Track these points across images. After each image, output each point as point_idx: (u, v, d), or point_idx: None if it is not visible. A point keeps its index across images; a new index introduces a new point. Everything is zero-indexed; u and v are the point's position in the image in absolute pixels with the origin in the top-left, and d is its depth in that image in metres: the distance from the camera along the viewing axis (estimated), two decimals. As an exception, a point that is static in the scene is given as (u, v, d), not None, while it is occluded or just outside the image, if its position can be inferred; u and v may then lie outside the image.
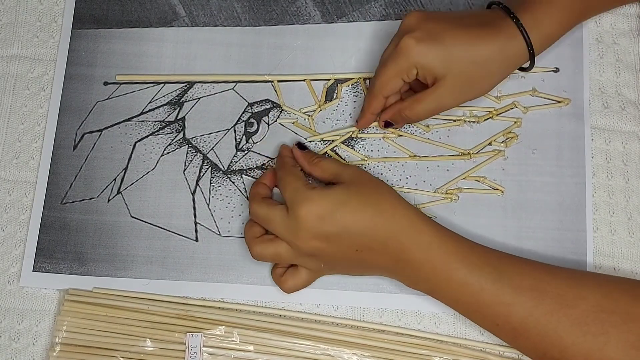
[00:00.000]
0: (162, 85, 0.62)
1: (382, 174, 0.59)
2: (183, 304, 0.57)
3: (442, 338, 0.56)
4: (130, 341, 0.56)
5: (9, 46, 0.63)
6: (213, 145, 0.61)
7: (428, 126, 0.60)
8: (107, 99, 0.62)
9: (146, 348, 0.56)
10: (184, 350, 0.55)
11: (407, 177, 0.59)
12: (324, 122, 0.61)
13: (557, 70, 0.61)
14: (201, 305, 0.57)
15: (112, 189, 0.60)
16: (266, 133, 0.61)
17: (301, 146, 0.58)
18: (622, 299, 0.48)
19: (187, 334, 0.56)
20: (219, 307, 0.57)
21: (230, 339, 0.56)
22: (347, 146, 0.60)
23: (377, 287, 0.57)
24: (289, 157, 0.57)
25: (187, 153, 0.61)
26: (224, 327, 0.56)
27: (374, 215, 0.50)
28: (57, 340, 0.56)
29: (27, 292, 0.58)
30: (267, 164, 0.60)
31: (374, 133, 0.60)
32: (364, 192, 0.51)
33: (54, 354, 0.55)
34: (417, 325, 0.57)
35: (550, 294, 0.48)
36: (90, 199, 0.60)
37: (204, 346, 0.55)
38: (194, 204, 0.60)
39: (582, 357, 0.47)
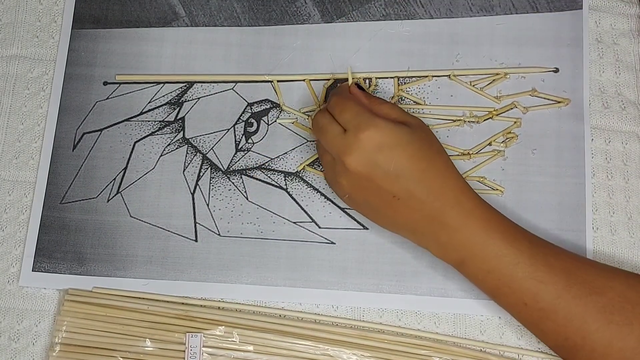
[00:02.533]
0: (162, 85, 0.62)
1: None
2: (183, 303, 0.57)
3: (442, 338, 0.56)
4: (130, 341, 0.56)
5: (8, 46, 0.63)
6: (213, 145, 0.61)
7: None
8: (107, 98, 0.62)
9: (146, 348, 0.55)
10: (184, 351, 0.55)
11: (406, 177, 0.59)
12: (323, 122, 0.61)
13: (557, 70, 0.61)
14: (201, 306, 0.57)
15: (112, 188, 0.60)
16: (266, 133, 0.61)
17: (360, 87, 0.56)
18: None
19: (187, 334, 0.55)
20: (219, 307, 0.57)
21: (230, 339, 0.56)
22: (347, 146, 0.60)
23: (377, 288, 0.57)
24: (345, 89, 0.55)
25: (187, 153, 0.61)
26: (223, 327, 0.56)
27: (428, 167, 0.50)
28: (56, 340, 0.56)
29: (27, 292, 0.58)
30: (267, 164, 0.60)
31: (374, 133, 0.60)
32: (426, 143, 0.51)
33: (54, 354, 0.55)
34: (416, 325, 0.57)
35: (580, 278, 0.49)
36: (89, 198, 0.60)
37: (203, 346, 0.55)
38: (193, 204, 0.60)
39: (604, 345, 0.48)
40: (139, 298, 0.57)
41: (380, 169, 0.50)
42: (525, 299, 0.49)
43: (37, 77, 0.62)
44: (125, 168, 0.60)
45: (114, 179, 0.60)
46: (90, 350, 0.56)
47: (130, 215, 0.59)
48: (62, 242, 0.59)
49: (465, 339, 0.56)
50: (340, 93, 0.54)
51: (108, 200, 0.60)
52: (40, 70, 0.63)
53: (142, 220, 0.59)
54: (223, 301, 0.57)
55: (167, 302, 0.57)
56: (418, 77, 0.61)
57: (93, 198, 0.60)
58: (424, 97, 0.61)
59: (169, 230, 0.59)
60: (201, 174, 0.60)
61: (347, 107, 0.52)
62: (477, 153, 0.59)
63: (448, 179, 0.51)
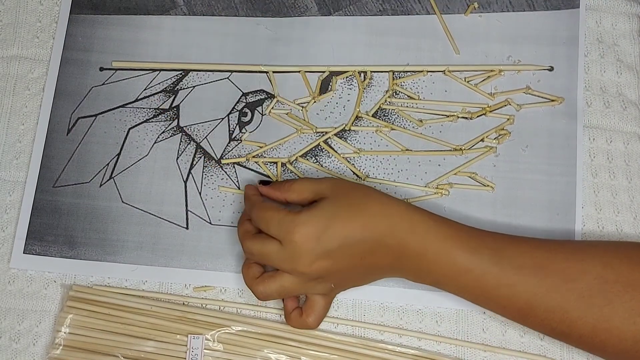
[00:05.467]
0: (158, 72, 0.62)
1: (374, 167, 0.60)
2: (185, 304, 0.57)
3: (443, 340, 0.56)
4: (131, 341, 0.56)
5: (9, 47, 0.63)
6: (207, 134, 0.61)
7: (421, 121, 0.60)
8: (103, 84, 0.62)
9: (147, 349, 0.55)
10: (185, 352, 0.55)
11: (398, 171, 0.59)
12: (317, 114, 0.61)
13: (551, 68, 0.61)
14: (203, 307, 0.57)
15: (105, 174, 0.60)
16: (260, 123, 0.61)
17: (264, 182, 0.56)
18: (622, 267, 0.48)
19: (189, 335, 0.56)
20: (220, 310, 0.57)
21: (230, 343, 0.56)
22: (340, 138, 0.60)
23: (378, 281, 0.56)
24: (257, 196, 0.55)
25: (181, 141, 0.61)
26: (224, 330, 0.56)
27: (366, 219, 0.50)
28: (57, 340, 0.56)
29: (27, 292, 0.58)
30: (259, 154, 0.60)
31: (367, 126, 0.60)
32: (350, 201, 0.50)
33: (55, 354, 0.55)
34: (418, 325, 0.57)
35: (552, 270, 0.49)
36: (82, 183, 0.60)
37: (205, 349, 0.55)
38: (185, 191, 0.60)
39: (590, 329, 0.48)
40: (142, 297, 0.57)
41: (332, 251, 0.49)
42: (502, 303, 0.50)
43: (37, 78, 0.62)
44: (119, 154, 0.61)
45: (107, 164, 0.60)
46: (92, 350, 0.56)
47: (122, 201, 0.60)
48: (53, 225, 0.59)
49: (466, 341, 0.56)
50: (255, 205, 0.53)
51: (100, 185, 0.60)
52: (40, 70, 0.63)
53: (133, 206, 0.59)
54: (224, 301, 0.57)
55: (170, 302, 0.57)
56: (413, 71, 0.61)
57: (86, 182, 0.60)
58: (418, 92, 0.61)
59: (160, 217, 0.59)
60: (194, 163, 0.60)
61: (268, 217, 0.51)
62: (469, 149, 0.60)
63: (391, 214, 0.50)
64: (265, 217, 0.51)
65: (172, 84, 0.62)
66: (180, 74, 0.62)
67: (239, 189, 0.60)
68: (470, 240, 0.50)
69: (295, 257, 0.49)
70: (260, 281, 0.52)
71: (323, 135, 0.60)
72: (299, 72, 0.62)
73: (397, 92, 0.61)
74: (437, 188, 0.59)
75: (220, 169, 0.60)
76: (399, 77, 0.61)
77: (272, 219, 0.51)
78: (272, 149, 0.60)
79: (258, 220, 0.52)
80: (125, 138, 0.61)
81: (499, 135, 0.60)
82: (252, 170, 0.60)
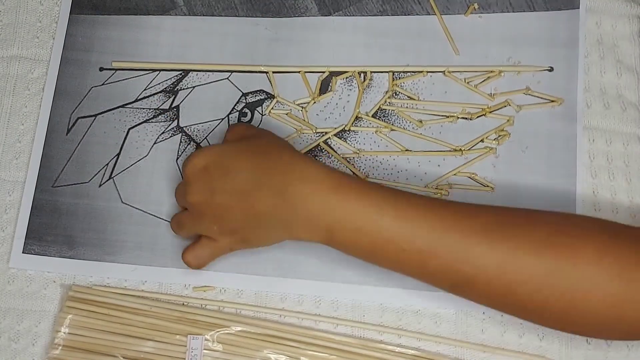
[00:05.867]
0: (158, 72, 0.62)
1: (373, 167, 0.60)
2: (184, 304, 0.57)
3: (442, 340, 0.56)
4: (131, 342, 0.56)
5: (9, 47, 0.63)
6: (207, 135, 0.61)
7: (421, 121, 0.60)
8: (103, 84, 0.62)
9: (147, 349, 0.55)
10: (185, 353, 0.55)
11: (398, 172, 0.59)
12: (317, 115, 0.61)
13: (551, 69, 0.61)
14: (202, 308, 0.57)
15: (104, 174, 0.60)
16: (259, 123, 0.61)
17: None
18: (518, 212, 0.49)
19: (189, 336, 0.55)
20: (220, 311, 0.57)
21: (229, 343, 0.56)
22: (340, 139, 0.60)
23: (376, 281, 0.57)
24: None
25: (181, 141, 0.61)
26: (224, 330, 0.56)
27: (261, 158, 0.50)
28: (57, 341, 0.56)
29: (26, 292, 0.58)
30: None
31: (367, 127, 0.61)
32: (253, 143, 0.52)
33: (54, 354, 0.55)
34: (417, 325, 0.57)
35: (447, 208, 0.48)
36: (81, 183, 0.60)
37: (204, 349, 0.55)
38: (185, 191, 0.60)
39: (496, 268, 0.46)
40: (141, 297, 0.57)
41: (216, 182, 0.50)
42: (401, 246, 0.47)
43: (37, 78, 0.62)
44: (119, 154, 0.61)
45: (107, 164, 0.60)
46: (91, 350, 0.55)
47: (122, 201, 0.60)
48: (53, 225, 0.59)
49: (466, 342, 0.56)
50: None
51: (100, 186, 0.60)
52: (41, 71, 0.63)
53: (133, 207, 0.59)
54: (223, 301, 0.57)
55: (170, 302, 0.57)
56: (413, 72, 0.62)
57: (85, 183, 0.60)
58: (418, 93, 0.61)
59: (159, 218, 0.59)
60: (194, 163, 0.60)
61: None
62: (469, 150, 0.60)
63: (287, 157, 0.50)
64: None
65: (172, 84, 0.62)
66: (180, 74, 0.62)
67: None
68: (367, 185, 0.50)
69: (186, 188, 0.51)
70: (174, 215, 0.56)
71: (323, 135, 0.60)
72: (298, 72, 0.62)
73: (397, 93, 0.61)
74: (436, 189, 0.59)
75: (220, 169, 0.60)
76: (399, 78, 0.61)
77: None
78: (271, 150, 0.60)
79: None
80: (125, 138, 0.61)
81: (499, 136, 0.60)
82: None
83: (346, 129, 0.60)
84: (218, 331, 0.56)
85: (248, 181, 0.49)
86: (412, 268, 0.49)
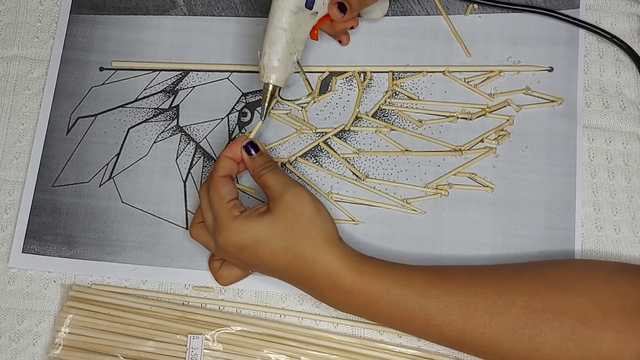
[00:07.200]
0: (158, 72, 0.62)
1: (373, 167, 0.60)
2: (184, 304, 0.57)
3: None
4: (131, 341, 0.56)
5: (9, 47, 0.64)
6: (206, 134, 0.61)
7: (421, 121, 0.60)
8: (103, 84, 0.62)
9: (147, 349, 0.55)
10: (185, 352, 0.55)
11: (398, 172, 0.60)
12: (317, 114, 0.61)
13: (551, 69, 0.61)
14: (203, 307, 0.57)
15: (104, 174, 0.60)
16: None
17: (253, 146, 0.54)
18: (548, 294, 0.48)
19: (189, 335, 0.56)
20: (220, 310, 0.57)
21: (230, 343, 0.56)
22: (340, 139, 0.60)
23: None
24: (228, 161, 0.54)
25: (180, 141, 0.61)
26: (224, 330, 0.56)
27: (292, 260, 0.49)
28: (57, 340, 0.56)
29: (26, 292, 0.58)
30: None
31: (367, 127, 0.61)
32: (290, 230, 0.49)
33: (55, 354, 0.55)
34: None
35: (479, 305, 0.48)
36: (81, 183, 0.60)
37: (205, 349, 0.55)
38: (185, 191, 0.60)
39: (523, 358, 0.48)
40: (142, 297, 0.57)
41: (250, 262, 0.51)
42: (433, 340, 0.50)
43: (37, 78, 0.62)
44: (119, 154, 0.61)
45: (107, 164, 0.60)
46: (91, 350, 0.56)
47: (122, 201, 0.60)
48: (52, 225, 0.59)
49: None
50: (211, 178, 0.53)
51: (100, 185, 0.60)
52: (41, 71, 0.63)
53: (133, 206, 0.59)
54: (224, 300, 0.57)
55: (170, 302, 0.57)
56: (413, 72, 0.62)
57: (85, 182, 0.60)
58: (417, 93, 0.61)
59: (159, 217, 0.59)
60: (194, 163, 0.61)
61: (212, 202, 0.52)
62: (468, 149, 0.60)
63: (319, 265, 0.49)
64: (211, 199, 0.52)
65: (172, 84, 0.62)
66: (180, 74, 0.62)
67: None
68: (400, 277, 0.49)
69: (218, 244, 0.51)
70: (200, 225, 0.54)
71: (323, 135, 0.60)
72: (298, 72, 0.62)
73: (397, 93, 0.61)
74: (436, 189, 0.59)
75: (220, 169, 0.60)
76: (399, 78, 0.61)
77: (214, 205, 0.51)
78: (271, 149, 0.60)
79: (208, 192, 0.52)
80: (125, 138, 0.61)
81: (499, 135, 0.60)
82: (251, 170, 0.60)
83: (346, 129, 0.61)
84: (218, 331, 0.56)
85: (281, 277, 0.52)
86: (446, 346, 0.51)
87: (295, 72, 0.61)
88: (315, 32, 0.56)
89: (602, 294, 0.48)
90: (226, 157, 0.54)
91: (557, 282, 0.49)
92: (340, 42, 0.61)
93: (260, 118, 0.56)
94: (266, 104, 0.56)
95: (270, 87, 0.55)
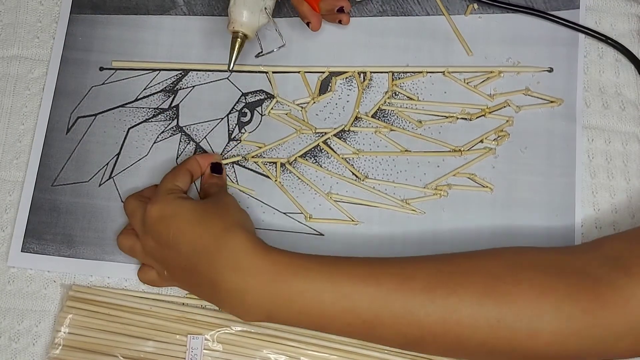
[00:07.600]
0: (157, 72, 0.62)
1: (373, 168, 0.60)
2: (184, 304, 0.57)
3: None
4: (131, 341, 0.56)
5: (9, 47, 0.63)
6: (206, 134, 0.61)
7: (420, 122, 0.60)
8: (103, 84, 0.62)
9: (147, 349, 0.55)
10: (185, 352, 0.55)
11: (397, 172, 0.60)
12: (316, 115, 0.61)
13: (551, 70, 0.61)
14: (202, 307, 0.57)
15: (104, 173, 0.60)
16: (259, 123, 0.61)
17: (219, 168, 0.59)
18: (458, 259, 0.49)
19: (189, 336, 0.56)
20: (220, 310, 0.57)
21: (229, 343, 0.56)
22: (339, 139, 0.60)
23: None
24: (197, 164, 0.58)
25: (180, 141, 0.61)
26: (224, 330, 0.56)
27: (201, 235, 0.49)
28: (57, 340, 0.56)
29: (26, 292, 0.58)
30: (258, 154, 0.60)
31: (367, 127, 0.61)
32: (208, 209, 0.51)
33: (54, 354, 0.55)
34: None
35: (386, 274, 0.47)
36: (81, 182, 0.60)
37: (204, 349, 0.55)
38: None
39: (441, 324, 0.46)
40: (142, 297, 0.57)
41: (162, 238, 0.51)
42: (346, 320, 0.47)
43: (38, 78, 0.62)
44: (119, 154, 0.61)
45: (107, 164, 0.60)
46: (91, 350, 0.56)
47: (122, 201, 0.60)
48: (52, 224, 0.59)
49: None
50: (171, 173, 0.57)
51: (100, 185, 0.60)
52: (41, 71, 0.63)
53: (133, 206, 0.60)
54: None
55: (170, 302, 0.57)
56: (412, 72, 0.62)
57: (85, 182, 0.60)
58: (417, 93, 0.61)
59: (159, 217, 0.59)
60: (194, 162, 0.60)
61: (161, 181, 0.56)
62: (468, 150, 0.60)
63: (228, 241, 0.49)
64: (162, 181, 0.56)
65: (171, 83, 0.62)
66: (180, 73, 0.62)
67: (239, 190, 0.60)
68: (303, 261, 0.48)
69: (142, 226, 0.52)
70: (124, 232, 0.57)
71: (322, 135, 0.61)
72: (298, 72, 0.62)
73: (397, 93, 0.61)
74: (436, 189, 0.59)
75: (220, 169, 0.60)
76: (399, 78, 0.62)
77: (161, 183, 0.56)
78: (271, 149, 0.60)
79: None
80: (125, 138, 0.61)
81: (498, 136, 0.60)
82: (251, 170, 0.60)
83: (346, 129, 0.61)
84: (218, 331, 0.56)
85: (186, 255, 0.50)
86: (361, 336, 0.49)
87: (294, 72, 0.61)
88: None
89: (512, 259, 0.48)
90: (197, 161, 0.58)
91: (465, 253, 0.50)
92: (340, 22, 0.60)
93: (228, 68, 0.57)
94: (234, 54, 0.57)
95: (239, 37, 0.56)
